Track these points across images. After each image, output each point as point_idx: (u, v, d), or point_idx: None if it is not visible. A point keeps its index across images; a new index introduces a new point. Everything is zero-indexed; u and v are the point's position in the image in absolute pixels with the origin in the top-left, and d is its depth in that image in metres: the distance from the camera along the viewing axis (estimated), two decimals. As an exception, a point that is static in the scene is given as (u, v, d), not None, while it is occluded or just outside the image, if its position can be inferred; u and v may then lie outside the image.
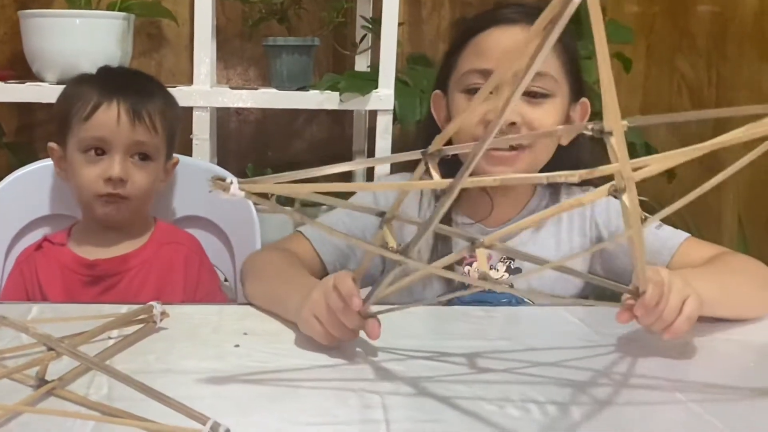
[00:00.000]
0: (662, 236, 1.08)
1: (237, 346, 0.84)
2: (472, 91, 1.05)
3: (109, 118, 1.15)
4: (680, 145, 2.26)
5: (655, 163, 0.60)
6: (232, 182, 0.58)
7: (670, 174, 2.01)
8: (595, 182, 1.13)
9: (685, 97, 2.23)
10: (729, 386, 0.78)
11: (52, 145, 1.22)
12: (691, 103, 2.23)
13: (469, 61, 1.07)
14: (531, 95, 1.04)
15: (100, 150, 1.16)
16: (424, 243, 1.09)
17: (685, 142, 2.11)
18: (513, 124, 1.03)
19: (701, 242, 1.09)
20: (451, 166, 1.07)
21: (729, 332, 0.92)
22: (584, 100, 1.12)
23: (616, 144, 0.57)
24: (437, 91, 1.14)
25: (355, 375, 0.78)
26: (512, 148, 1.04)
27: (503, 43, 1.05)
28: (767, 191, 2.10)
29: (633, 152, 1.94)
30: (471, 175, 1.08)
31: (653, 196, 2.09)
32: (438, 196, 1.12)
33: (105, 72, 1.26)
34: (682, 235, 1.09)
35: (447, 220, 1.11)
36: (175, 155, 1.27)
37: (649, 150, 1.95)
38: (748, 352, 0.90)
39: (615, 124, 0.56)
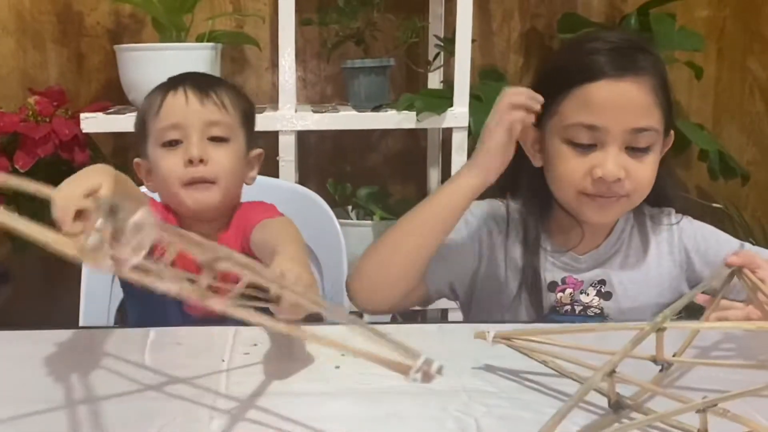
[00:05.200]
0: None
1: (337, 367, 0.89)
2: (577, 146, 1.05)
3: (177, 102, 1.14)
4: (756, 150, 2.27)
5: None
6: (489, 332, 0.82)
7: (744, 176, 2.01)
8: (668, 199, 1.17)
9: (758, 98, 2.22)
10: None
11: (137, 160, 1.20)
12: (764, 104, 2.22)
13: (576, 114, 1.05)
14: (635, 150, 1.04)
15: (175, 140, 1.13)
16: (512, 266, 1.15)
17: (761, 145, 2.14)
18: (618, 179, 1.04)
19: None
20: (540, 195, 1.13)
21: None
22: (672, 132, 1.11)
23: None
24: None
25: (450, 397, 0.82)
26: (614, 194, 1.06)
27: (614, 100, 1.03)
28: None
29: (705, 158, 1.95)
30: (566, 219, 1.17)
31: (728, 198, 2.10)
32: (526, 227, 1.15)
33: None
34: (763, 252, 1.13)
35: (537, 248, 1.15)
36: (259, 149, 1.23)
37: (723, 158, 1.95)
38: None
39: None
